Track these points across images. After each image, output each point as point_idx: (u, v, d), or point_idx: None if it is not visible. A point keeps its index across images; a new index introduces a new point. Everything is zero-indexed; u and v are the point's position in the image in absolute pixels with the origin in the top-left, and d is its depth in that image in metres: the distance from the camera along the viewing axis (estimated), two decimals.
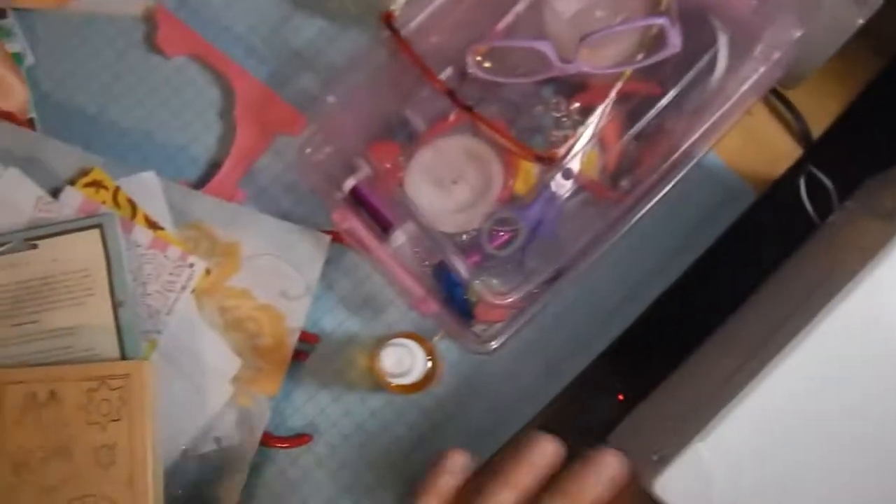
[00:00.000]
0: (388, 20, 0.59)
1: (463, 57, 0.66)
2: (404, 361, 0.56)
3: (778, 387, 0.46)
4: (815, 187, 0.69)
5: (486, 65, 0.64)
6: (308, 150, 0.64)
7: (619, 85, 0.60)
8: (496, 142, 0.64)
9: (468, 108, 0.60)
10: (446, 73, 0.68)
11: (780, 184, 0.69)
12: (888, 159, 0.62)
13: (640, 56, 0.60)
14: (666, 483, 0.45)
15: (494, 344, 0.61)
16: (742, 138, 0.68)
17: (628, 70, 0.60)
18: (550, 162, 0.60)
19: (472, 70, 0.63)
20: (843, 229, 0.63)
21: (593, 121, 0.63)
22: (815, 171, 0.69)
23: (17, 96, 0.69)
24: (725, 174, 0.69)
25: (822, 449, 0.46)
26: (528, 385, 0.68)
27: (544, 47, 0.59)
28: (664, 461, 0.46)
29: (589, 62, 0.60)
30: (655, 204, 0.61)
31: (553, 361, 0.68)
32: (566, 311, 0.68)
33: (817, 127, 0.69)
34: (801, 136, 0.69)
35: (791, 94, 0.68)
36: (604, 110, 0.63)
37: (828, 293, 0.47)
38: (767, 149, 0.70)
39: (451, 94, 0.60)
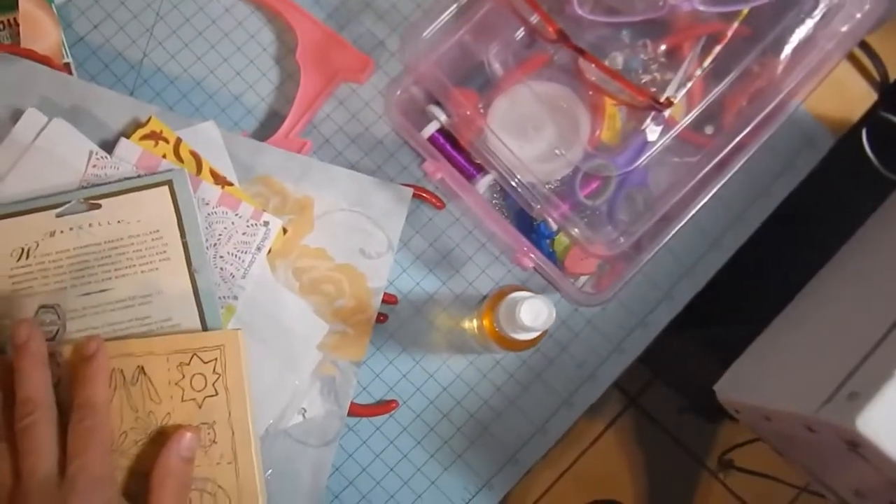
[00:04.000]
0: None
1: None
2: (541, 315, 0.52)
3: None
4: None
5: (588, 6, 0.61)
6: (398, 92, 0.59)
7: (735, 25, 0.58)
8: (592, 86, 0.61)
9: (580, 50, 0.56)
10: (533, 20, 0.64)
11: (854, 130, 0.69)
12: None
13: None
14: (869, 419, 0.46)
15: (608, 293, 0.59)
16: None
17: (745, 9, 0.58)
18: (667, 106, 0.57)
19: (580, 11, 0.59)
20: None
21: (690, 64, 0.61)
22: (886, 115, 0.69)
23: (50, 37, 0.60)
24: (804, 119, 0.68)
25: None
26: (615, 338, 0.66)
27: None
28: (859, 399, 0.46)
29: (704, 1, 0.57)
30: (746, 152, 0.60)
31: (639, 314, 0.66)
32: (649, 263, 0.66)
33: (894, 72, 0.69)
34: (879, 80, 0.68)
35: (870, 38, 0.68)
36: (695, 52, 0.61)
37: None
38: (844, 93, 0.69)
39: (562, 34, 0.56)
